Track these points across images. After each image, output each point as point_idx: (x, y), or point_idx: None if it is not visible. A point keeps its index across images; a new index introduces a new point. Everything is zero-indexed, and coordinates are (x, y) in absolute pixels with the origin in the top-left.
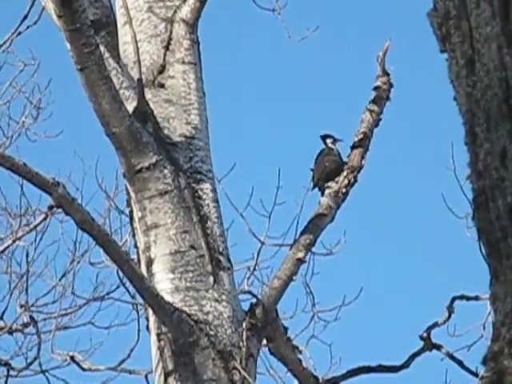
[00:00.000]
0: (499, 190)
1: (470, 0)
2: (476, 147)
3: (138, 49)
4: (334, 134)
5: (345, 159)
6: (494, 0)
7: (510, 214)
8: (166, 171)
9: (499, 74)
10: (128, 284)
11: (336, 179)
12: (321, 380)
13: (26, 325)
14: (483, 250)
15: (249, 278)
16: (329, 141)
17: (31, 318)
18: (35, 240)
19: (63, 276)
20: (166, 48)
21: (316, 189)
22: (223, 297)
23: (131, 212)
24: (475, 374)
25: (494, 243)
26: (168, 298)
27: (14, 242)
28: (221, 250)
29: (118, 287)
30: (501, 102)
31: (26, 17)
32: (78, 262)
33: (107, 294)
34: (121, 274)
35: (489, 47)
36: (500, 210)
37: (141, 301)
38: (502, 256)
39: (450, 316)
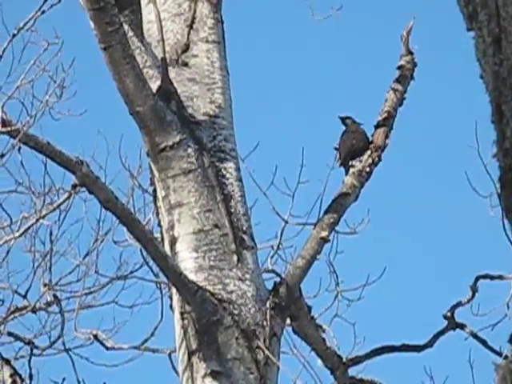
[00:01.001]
0: None
1: None
2: (503, 125)
3: (161, 27)
4: (354, 116)
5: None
6: None
7: None
8: (189, 150)
9: None
10: (151, 263)
11: (360, 158)
12: (344, 359)
13: (49, 303)
14: (509, 228)
15: (272, 257)
16: (348, 121)
17: (55, 296)
18: (59, 219)
19: (87, 255)
20: (190, 27)
21: (340, 167)
22: (247, 276)
23: (155, 191)
24: (499, 354)
25: None
26: (191, 276)
27: (37, 220)
28: (244, 228)
29: (141, 266)
30: None
31: None
32: (102, 241)
33: (131, 272)
34: (144, 252)
35: None
36: None
37: (164, 280)
38: None
39: (473, 295)
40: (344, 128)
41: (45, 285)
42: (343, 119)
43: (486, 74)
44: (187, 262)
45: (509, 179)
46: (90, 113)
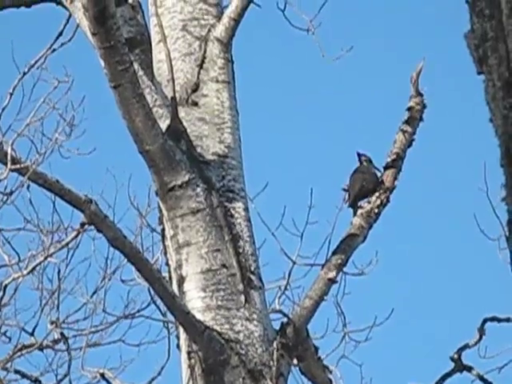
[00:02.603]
0: None
1: (507, 22)
2: None
3: (172, 67)
4: (371, 156)
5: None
6: None
7: None
8: (198, 189)
9: None
10: (159, 302)
11: (368, 199)
12: None
13: (56, 341)
14: None
15: (280, 298)
16: (363, 158)
17: (62, 334)
18: (67, 257)
19: (94, 293)
20: (200, 66)
21: (348, 208)
22: (254, 316)
23: (163, 230)
24: None
25: None
26: (199, 316)
27: (45, 258)
28: (252, 269)
29: (148, 305)
30: None
31: (60, 34)
32: (110, 280)
33: (138, 311)
34: (152, 291)
35: None
36: None
37: (172, 319)
38: None
39: (481, 338)
40: (358, 164)
41: (52, 322)
42: (360, 156)
43: (496, 118)
44: (195, 301)
45: None
46: (98, 151)
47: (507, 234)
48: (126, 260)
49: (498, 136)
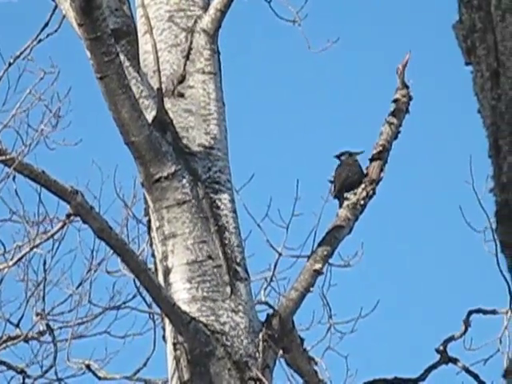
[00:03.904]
0: None
1: (495, 13)
2: (500, 160)
3: (158, 58)
4: (350, 148)
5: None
6: None
7: None
8: (184, 181)
9: None
10: (145, 293)
11: (354, 191)
12: None
13: (41, 333)
14: (506, 263)
15: (266, 289)
16: (344, 158)
17: (48, 326)
18: (52, 248)
19: (80, 284)
20: (186, 58)
21: (334, 200)
22: (240, 307)
23: (149, 221)
24: None
25: None
26: (185, 307)
27: (31, 249)
28: (238, 260)
29: (134, 296)
30: None
31: (46, 24)
32: (95, 271)
33: (123, 303)
34: (138, 283)
35: None
36: None
37: (157, 310)
38: None
39: (466, 330)
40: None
41: (37, 314)
42: (339, 157)
43: (484, 109)
44: (180, 292)
45: (505, 214)
46: (85, 142)
47: (494, 224)
48: (111, 251)
49: (485, 127)
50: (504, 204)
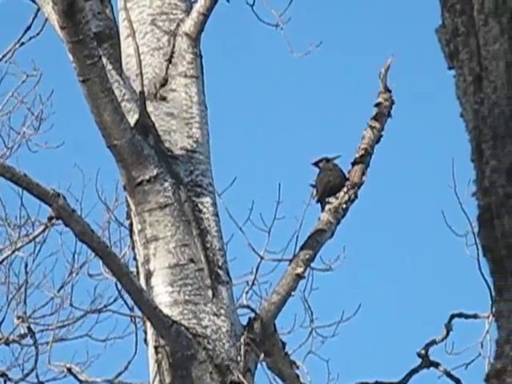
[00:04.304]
0: (505, 208)
1: (478, 17)
2: (482, 164)
3: (140, 61)
4: (330, 154)
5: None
6: (503, 18)
7: None
8: (166, 184)
9: (507, 92)
10: (126, 296)
11: (336, 195)
12: None
13: (22, 336)
14: (488, 267)
15: (247, 293)
16: (322, 164)
17: (29, 328)
18: (34, 251)
19: (61, 287)
20: (169, 61)
21: (316, 204)
22: (222, 311)
23: (131, 225)
24: None
25: (498, 261)
26: (166, 311)
27: (13, 252)
28: (220, 264)
29: (115, 300)
30: (508, 119)
31: (29, 27)
32: (77, 274)
33: (105, 306)
34: (119, 286)
35: (497, 64)
36: (505, 227)
37: (139, 313)
38: (506, 273)
39: (448, 334)
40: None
41: (18, 317)
42: (316, 164)
43: (467, 113)
44: (162, 296)
45: (487, 218)
46: (67, 145)
47: (477, 229)
48: (93, 254)
49: (468, 131)
50: (486, 208)
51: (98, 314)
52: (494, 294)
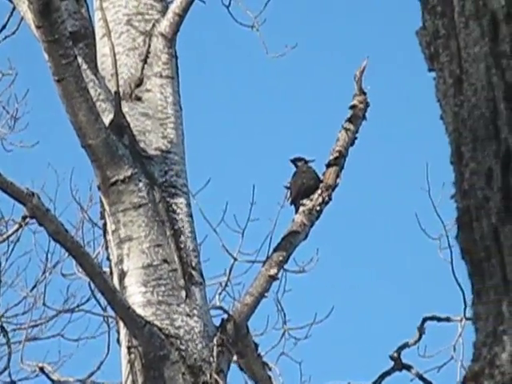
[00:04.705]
0: (484, 210)
1: (458, 20)
2: (462, 166)
3: (116, 61)
4: (305, 155)
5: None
6: (483, 20)
7: (494, 234)
8: (140, 184)
9: (487, 94)
10: (99, 296)
11: (310, 197)
12: None
13: None
14: (466, 270)
15: (220, 294)
16: (300, 164)
17: (2, 327)
18: (7, 250)
19: (34, 287)
20: (144, 61)
21: (290, 206)
22: (195, 311)
23: (105, 224)
24: None
25: (477, 263)
26: (140, 311)
27: None
28: (193, 264)
29: (88, 299)
30: (488, 122)
31: (4, 27)
32: (50, 273)
33: (78, 306)
34: (92, 286)
35: (477, 67)
36: (484, 229)
37: (111, 313)
38: (485, 276)
39: (420, 337)
40: (295, 169)
41: None
42: (294, 161)
43: (446, 115)
44: (135, 296)
45: (466, 221)
46: (41, 144)
47: (455, 231)
48: (66, 254)
49: (448, 133)
50: (465, 211)
51: (70, 314)
52: (471, 296)
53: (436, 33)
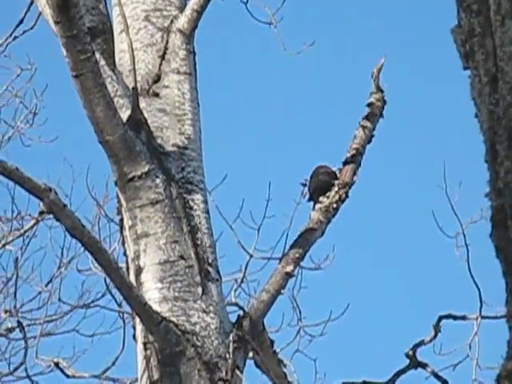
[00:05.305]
0: None
1: (494, 18)
2: (496, 165)
3: (133, 57)
4: (325, 159)
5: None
6: None
7: None
8: (157, 180)
9: None
10: (115, 292)
11: (327, 194)
12: None
13: (10, 330)
14: (500, 268)
15: (236, 290)
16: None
17: (19, 322)
18: (23, 245)
19: (49, 282)
20: (162, 57)
21: (306, 203)
22: (211, 308)
23: (121, 220)
24: None
25: (511, 261)
26: (156, 307)
27: (3, 246)
28: (210, 261)
29: (103, 295)
30: None
31: (21, 21)
32: (65, 269)
33: (92, 301)
34: (108, 281)
35: None
36: None
37: (127, 309)
38: None
39: (436, 335)
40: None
41: (6, 311)
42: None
43: (481, 114)
44: (152, 292)
45: (501, 219)
46: (60, 140)
47: (490, 229)
48: (81, 249)
49: (482, 132)
50: (500, 209)
51: (85, 309)
52: (506, 295)
53: (471, 31)
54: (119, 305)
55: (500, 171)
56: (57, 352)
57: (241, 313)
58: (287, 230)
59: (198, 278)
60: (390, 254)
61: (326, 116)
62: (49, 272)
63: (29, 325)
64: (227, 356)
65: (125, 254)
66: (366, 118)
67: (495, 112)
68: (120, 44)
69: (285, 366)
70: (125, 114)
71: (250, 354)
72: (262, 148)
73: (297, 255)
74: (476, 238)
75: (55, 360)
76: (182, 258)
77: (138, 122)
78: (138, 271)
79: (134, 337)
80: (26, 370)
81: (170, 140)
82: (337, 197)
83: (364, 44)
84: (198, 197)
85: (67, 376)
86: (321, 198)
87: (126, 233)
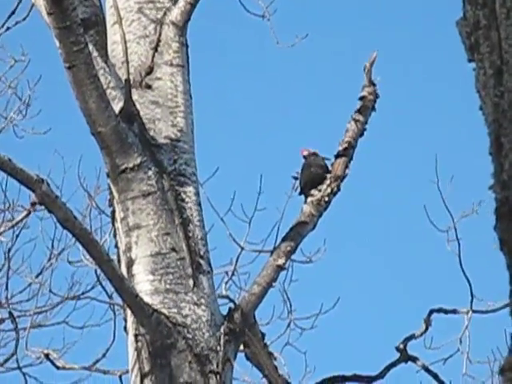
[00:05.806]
0: None
1: (500, 10)
2: (501, 157)
3: (126, 49)
4: (316, 147)
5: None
6: None
7: None
8: (149, 173)
9: None
10: (105, 283)
11: (319, 187)
12: None
13: (0, 321)
14: (505, 261)
15: (227, 283)
16: (309, 157)
17: (10, 314)
18: (13, 236)
19: (40, 273)
20: (155, 50)
21: (298, 196)
22: (202, 300)
23: (113, 212)
24: None
25: None
26: (147, 299)
27: None
28: (201, 253)
29: (93, 287)
30: None
31: (13, 12)
32: (56, 260)
33: (83, 293)
34: (99, 273)
35: None
36: None
37: (117, 301)
38: None
39: (426, 328)
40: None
41: None
42: (305, 157)
43: (486, 106)
44: (143, 284)
45: (505, 212)
46: (54, 131)
47: (494, 222)
48: (72, 241)
49: (487, 124)
50: (504, 201)
51: (75, 301)
52: (510, 287)
53: (477, 23)
54: (110, 296)
55: (504, 164)
56: (47, 343)
57: (232, 305)
58: (278, 222)
59: (189, 271)
60: (381, 248)
61: (319, 109)
62: (39, 263)
63: (19, 316)
64: (218, 348)
65: (116, 245)
66: (359, 111)
67: (500, 104)
68: (113, 36)
69: (275, 358)
70: (117, 106)
71: (241, 347)
72: (253, 141)
73: (288, 248)
74: (467, 232)
75: (45, 351)
76: (173, 250)
77: (130, 113)
78: (130, 263)
79: (125, 329)
80: (17, 361)
81: (163, 132)
82: (329, 190)
83: (357, 38)
84: (190, 189)
85: (57, 367)
86: (312, 191)
87: (118, 225)
